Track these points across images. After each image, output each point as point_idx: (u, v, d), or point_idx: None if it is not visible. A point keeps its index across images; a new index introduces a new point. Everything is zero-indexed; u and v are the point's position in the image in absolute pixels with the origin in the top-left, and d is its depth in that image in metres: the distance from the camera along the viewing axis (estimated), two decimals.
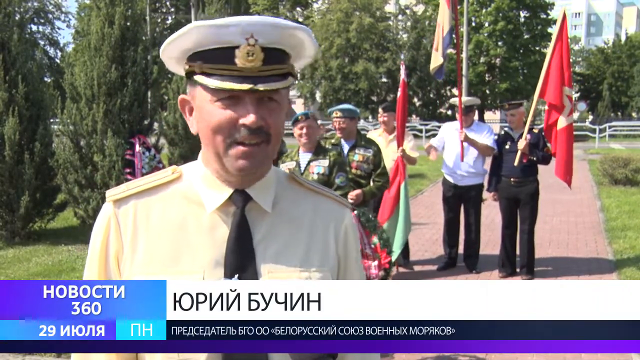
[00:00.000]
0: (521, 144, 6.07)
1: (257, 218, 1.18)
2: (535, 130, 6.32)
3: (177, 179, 1.21)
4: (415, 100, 40.66)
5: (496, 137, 6.59)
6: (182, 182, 1.20)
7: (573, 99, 6.16)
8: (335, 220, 1.26)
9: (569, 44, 6.20)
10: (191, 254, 1.14)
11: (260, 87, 1.08)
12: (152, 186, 1.19)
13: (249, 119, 1.09)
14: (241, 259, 1.13)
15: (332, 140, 5.59)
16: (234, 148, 1.11)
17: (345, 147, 5.40)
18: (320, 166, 4.49)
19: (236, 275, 1.11)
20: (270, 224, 1.18)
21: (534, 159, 6.17)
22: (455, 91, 38.10)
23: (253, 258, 1.14)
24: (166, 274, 1.12)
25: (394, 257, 5.99)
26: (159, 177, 1.21)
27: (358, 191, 5.03)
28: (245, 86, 1.07)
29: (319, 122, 5.20)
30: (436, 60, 6.55)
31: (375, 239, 4.37)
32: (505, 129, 6.53)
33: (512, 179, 6.28)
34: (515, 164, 6.10)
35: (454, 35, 6.65)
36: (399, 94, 6.19)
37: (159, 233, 1.15)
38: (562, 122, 6.00)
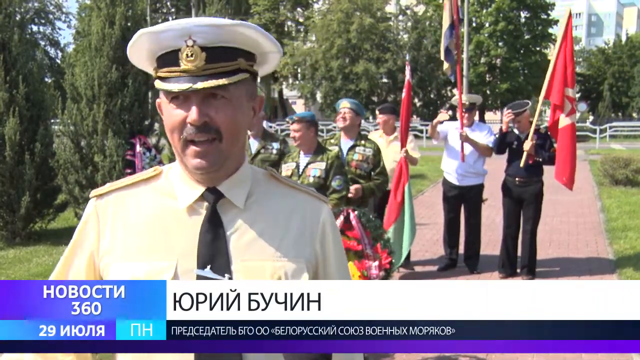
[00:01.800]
0: (527, 145, 6.05)
1: (230, 213, 1.21)
2: (542, 131, 6.31)
3: (157, 176, 1.27)
4: (416, 100, 40.66)
5: (496, 136, 6.57)
6: (161, 179, 1.27)
7: (575, 99, 6.13)
8: (313, 214, 1.29)
9: (573, 45, 6.17)
10: (166, 245, 1.18)
11: (199, 85, 1.11)
12: (133, 182, 1.26)
13: (191, 116, 1.13)
14: (212, 251, 1.17)
15: (332, 140, 5.59)
16: (188, 147, 1.16)
17: (345, 146, 5.40)
18: (317, 169, 4.47)
19: (208, 266, 1.15)
20: (243, 218, 1.22)
21: (540, 159, 6.16)
22: (455, 91, 38.09)
23: (225, 249, 1.17)
24: (141, 261, 1.16)
25: (402, 259, 6.06)
26: (141, 175, 1.27)
27: (357, 185, 5.03)
28: (185, 86, 1.12)
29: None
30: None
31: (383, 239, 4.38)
32: (512, 128, 6.52)
33: (517, 179, 6.27)
34: (522, 165, 6.10)
35: (455, 32, 6.63)
36: (403, 94, 6.18)
37: (136, 224, 1.21)
38: (562, 122, 5.99)
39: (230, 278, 1.14)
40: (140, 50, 1.18)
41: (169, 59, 1.14)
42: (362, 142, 5.44)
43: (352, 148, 5.39)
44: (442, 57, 6.63)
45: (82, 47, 8.60)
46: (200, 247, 1.17)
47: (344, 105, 5.41)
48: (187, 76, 1.12)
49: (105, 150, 7.32)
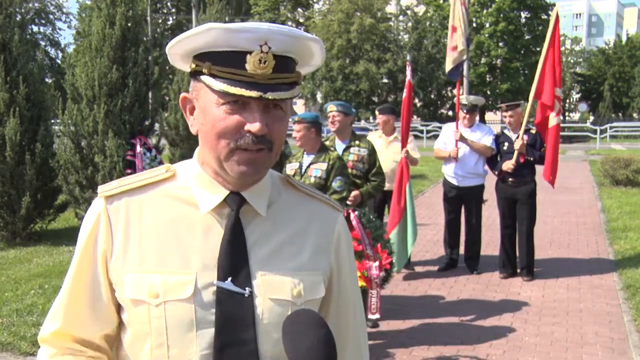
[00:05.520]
0: (517, 144, 6.10)
1: (251, 221, 1.17)
2: (533, 131, 6.34)
3: (171, 177, 1.19)
4: (416, 100, 40.68)
5: (494, 136, 6.59)
6: (176, 181, 1.19)
7: (561, 98, 6.21)
8: (329, 225, 1.26)
9: (560, 44, 6.24)
10: (183, 255, 1.12)
11: (270, 95, 1.07)
12: (145, 183, 1.18)
13: (255, 126, 1.07)
14: (234, 262, 1.12)
15: (327, 142, 5.58)
16: (236, 153, 1.09)
17: (340, 148, 5.40)
18: (318, 169, 4.48)
19: (229, 278, 1.10)
20: (264, 227, 1.17)
21: (531, 159, 6.19)
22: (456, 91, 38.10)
23: (246, 261, 1.13)
24: (158, 273, 1.11)
25: (406, 260, 6.12)
26: (152, 175, 1.19)
27: (356, 192, 5.03)
28: (255, 93, 1.06)
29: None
30: (451, 61, 6.67)
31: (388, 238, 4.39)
32: (505, 130, 6.56)
33: (509, 179, 6.28)
34: (512, 163, 6.12)
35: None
36: (404, 94, 6.18)
37: (151, 232, 1.14)
38: (552, 121, 6.04)
39: (251, 292, 1.11)
40: (197, 42, 1.10)
41: (231, 58, 1.07)
42: (357, 142, 5.43)
43: (346, 149, 5.38)
44: (462, 58, 6.66)
45: (82, 48, 8.58)
46: (221, 257, 1.12)
47: (331, 109, 5.41)
48: (252, 82, 1.06)
49: (106, 151, 7.31)
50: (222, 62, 1.08)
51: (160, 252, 1.13)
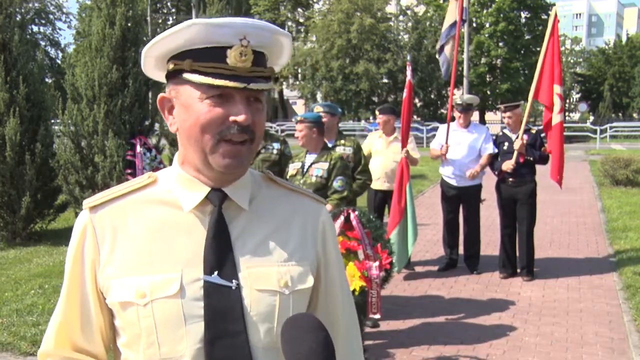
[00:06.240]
0: (517, 144, 6.10)
1: (235, 216, 1.18)
2: (533, 131, 6.34)
3: (153, 183, 1.22)
4: (417, 100, 40.68)
5: (494, 137, 6.59)
6: (158, 186, 1.21)
7: (563, 96, 6.19)
8: (313, 217, 1.28)
9: (559, 42, 6.24)
10: (170, 254, 1.14)
11: (253, 86, 1.10)
12: (128, 191, 1.20)
13: (241, 116, 1.10)
14: (220, 256, 1.14)
15: None
16: (221, 146, 1.12)
17: None
18: (320, 169, 4.50)
19: (215, 272, 1.12)
20: (247, 221, 1.19)
21: (531, 159, 6.19)
22: (456, 91, 38.09)
23: (231, 254, 1.15)
24: (145, 274, 1.12)
25: (407, 260, 6.15)
26: (135, 183, 1.22)
27: None
28: (239, 84, 1.09)
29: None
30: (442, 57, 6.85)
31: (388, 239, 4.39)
32: (504, 130, 6.56)
33: (509, 179, 6.28)
34: (512, 163, 6.12)
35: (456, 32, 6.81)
36: (404, 94, 6.19)
37: (137, 236, 1.16)
38: (554, 120, 6.04)
39: (238, 284, 1.12)
40: (178, 40, 1.12)
41: (212, 53, 1.11)
42: (342, 141, 5.51)
43: (332, 148, 5.41)
44: (437, 55, 6.80)
45: (82, 48, 8.59)
46: (206, 252, 1.13)
47: (317, 110, 5.46)
48: (234, 75, 1.10)
49: (106, 151, 7.32)
50: (203, 58, 1.11)
51: (147, 255, 1.14)
